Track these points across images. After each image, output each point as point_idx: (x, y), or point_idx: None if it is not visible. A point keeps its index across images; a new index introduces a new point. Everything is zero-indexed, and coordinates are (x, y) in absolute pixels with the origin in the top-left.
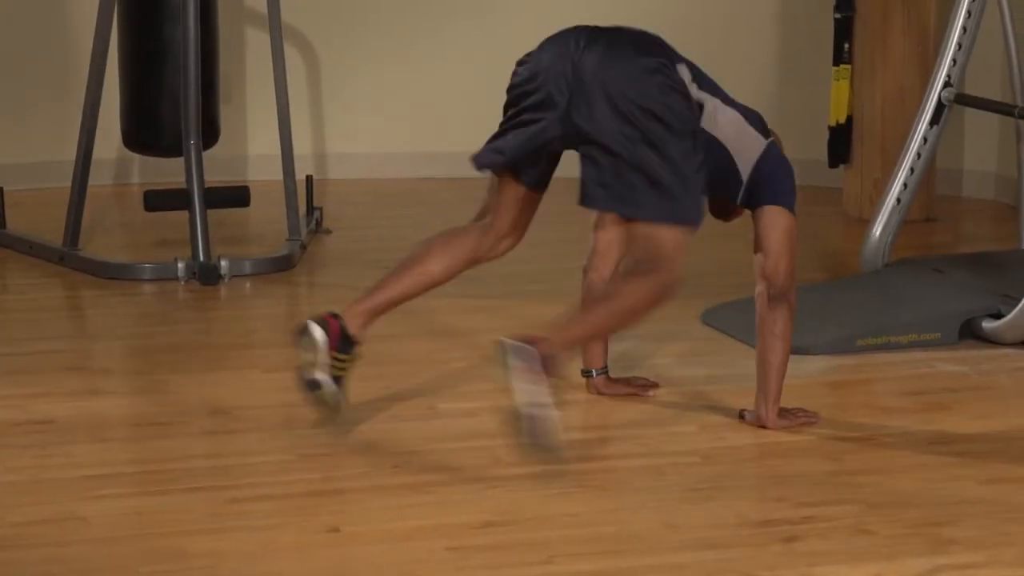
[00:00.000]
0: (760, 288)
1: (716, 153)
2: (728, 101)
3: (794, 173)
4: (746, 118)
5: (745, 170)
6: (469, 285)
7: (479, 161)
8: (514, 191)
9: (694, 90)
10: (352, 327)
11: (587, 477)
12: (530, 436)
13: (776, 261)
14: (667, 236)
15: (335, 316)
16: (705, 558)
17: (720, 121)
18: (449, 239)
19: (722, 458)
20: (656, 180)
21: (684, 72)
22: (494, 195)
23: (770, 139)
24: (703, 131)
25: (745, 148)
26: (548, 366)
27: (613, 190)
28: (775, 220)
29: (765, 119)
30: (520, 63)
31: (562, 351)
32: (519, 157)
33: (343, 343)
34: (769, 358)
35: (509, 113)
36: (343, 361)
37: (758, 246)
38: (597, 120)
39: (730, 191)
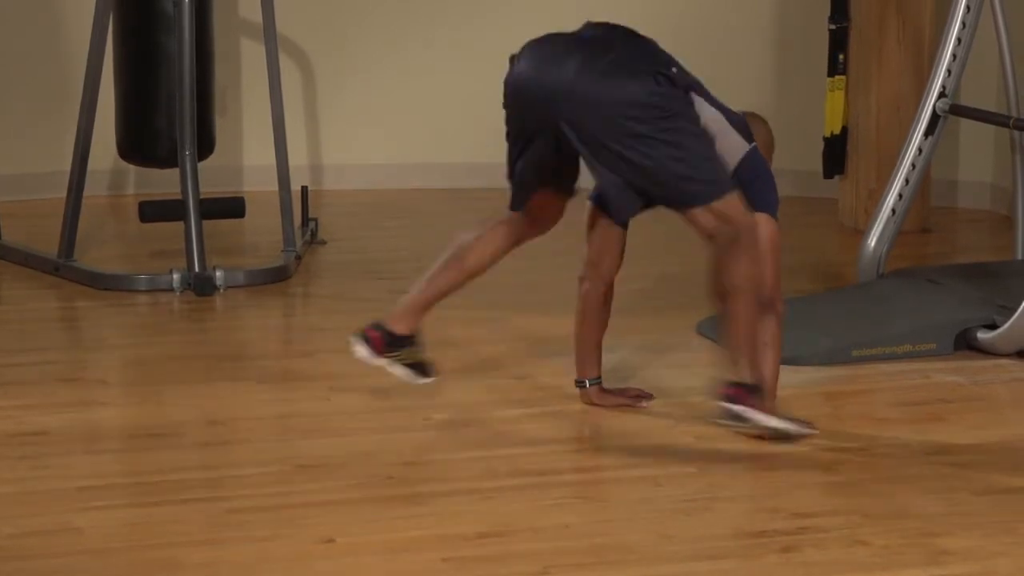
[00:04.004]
0: None
1: None
2: (712, 102)
3: (775, 181)
4: (729, 121)
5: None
6: (465, 296)
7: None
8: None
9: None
10: (398, 328)
11: (582, 488)
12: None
13: (760, 269)
14: (723, 208)
15: (376, 326)
16: (700, 569)
17: (704, 117)
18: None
19: (717, 469)
20: (678, 172)
21: (672, 74)
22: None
23: (752, 144)
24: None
25: (727, 148)
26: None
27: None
28: (758, 227)
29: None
30: (506, 81)
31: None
32: (535, 183)
33: (392, 344)
34: (761, 367)
35: (508, 136)
36: (404, 353)
37: None
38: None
39: None
